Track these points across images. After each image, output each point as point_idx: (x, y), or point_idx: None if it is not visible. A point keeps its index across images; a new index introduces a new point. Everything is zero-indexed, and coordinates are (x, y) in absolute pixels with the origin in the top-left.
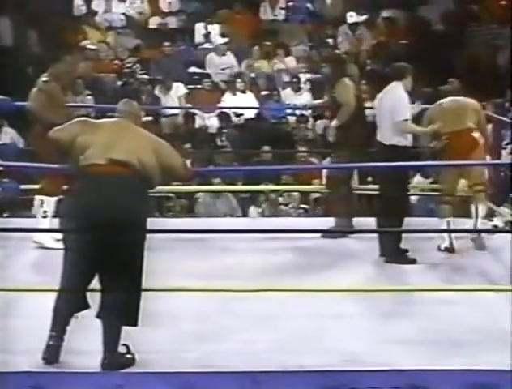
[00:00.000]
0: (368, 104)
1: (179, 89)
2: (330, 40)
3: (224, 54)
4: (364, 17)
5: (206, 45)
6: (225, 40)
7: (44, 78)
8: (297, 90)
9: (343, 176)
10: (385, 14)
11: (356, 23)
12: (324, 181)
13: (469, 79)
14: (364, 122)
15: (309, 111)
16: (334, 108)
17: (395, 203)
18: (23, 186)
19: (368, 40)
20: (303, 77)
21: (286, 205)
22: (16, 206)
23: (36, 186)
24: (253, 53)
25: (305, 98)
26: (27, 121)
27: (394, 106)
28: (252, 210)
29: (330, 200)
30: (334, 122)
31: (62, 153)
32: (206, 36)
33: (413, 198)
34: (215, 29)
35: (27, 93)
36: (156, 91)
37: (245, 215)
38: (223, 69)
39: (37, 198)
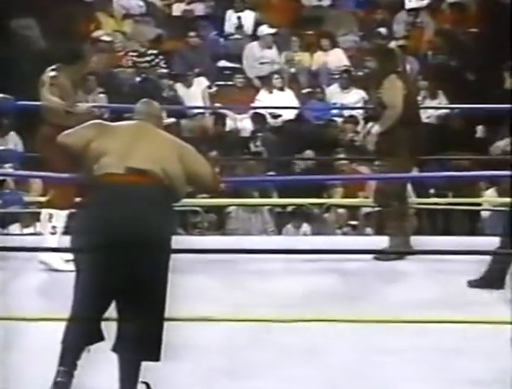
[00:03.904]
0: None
1: (201, 83)
2: (384, 30)
3: (269, 47)
4: (425, 2)
5: (238, 36)
6: (272, 30)
7: (52, 72)
8: (345, 87)
9: (394, 188)
10: None
11: (416, 9)
12: (372, 193)
13: None
14: (416, 126)
15: (360, 111)
16: (379, 110)
17: None
18: (28, 198)
19: (430, 29)
20: (352, 72)
21: (331, 221)
22: (20, 220)
23: (44, 198)
24: (294, 44)
25: (354, 97)
26: (31, 123)
27: None
28: (291, 227)
29: (381, 216)
30: (376, 128)
31: (74, 161)
32: (239, 25)
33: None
34: (248, 17)
35: (30, 92)
36: (178, 88)
37: (282, 232)
38: (262, 63)
39: (45, 211)
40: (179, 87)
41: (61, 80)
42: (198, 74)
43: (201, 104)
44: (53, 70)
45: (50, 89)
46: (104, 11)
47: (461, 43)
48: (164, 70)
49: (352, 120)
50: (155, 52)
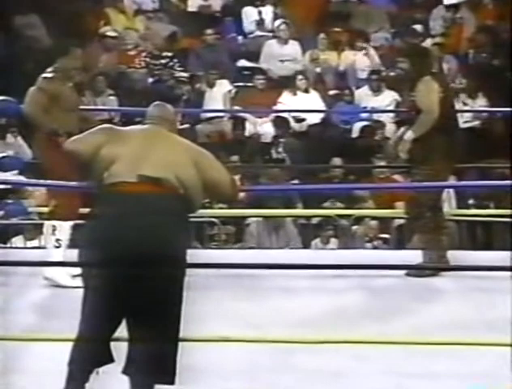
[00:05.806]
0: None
1: (223, 87)
2: (419, 26)
3: (286, 42)
4: None
5: (259, 33)
6: (282, 21)
7: (46, 74)
8: (376, 89)
9: (427, 198)
10: None
11: (455, 5)
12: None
13: None
14: (453, 132)
15: (391, 115)
16: (412, 114)
17: None
18: (30, 208)
19: (471, 26)
20: (383, 73)
21: (361, 234)
22: (24, 233)
23: (47, 209)
24: (319, 42)
25: (385, 99)
26: (34, 127)
27: None
28: (317, 240)
29: (413, 228)
30: (409, 133)
31: (82, 169)
32: (259, 21)
33: None
34: (269, 13)
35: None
36: (198, 90)
37: (307, 246)
38: (282, 61)
39: (47, 223)
40: (198, 88)
41: (53, 84)
42: (221, 76)
43: (221, 107)
44: (48, 72)
45: (36, 94)
46: (115, 7)
47: (505, 40)
48: (179, 71)
49: (383, 124)
50: (169, 52)
